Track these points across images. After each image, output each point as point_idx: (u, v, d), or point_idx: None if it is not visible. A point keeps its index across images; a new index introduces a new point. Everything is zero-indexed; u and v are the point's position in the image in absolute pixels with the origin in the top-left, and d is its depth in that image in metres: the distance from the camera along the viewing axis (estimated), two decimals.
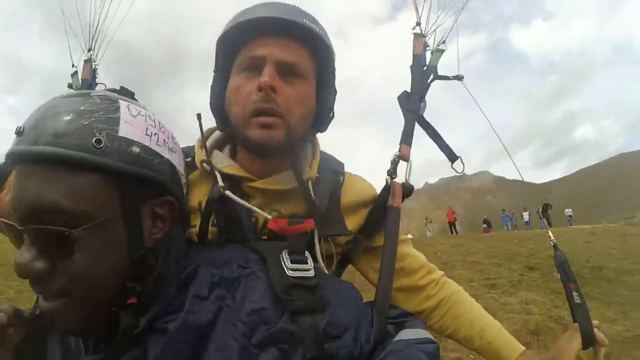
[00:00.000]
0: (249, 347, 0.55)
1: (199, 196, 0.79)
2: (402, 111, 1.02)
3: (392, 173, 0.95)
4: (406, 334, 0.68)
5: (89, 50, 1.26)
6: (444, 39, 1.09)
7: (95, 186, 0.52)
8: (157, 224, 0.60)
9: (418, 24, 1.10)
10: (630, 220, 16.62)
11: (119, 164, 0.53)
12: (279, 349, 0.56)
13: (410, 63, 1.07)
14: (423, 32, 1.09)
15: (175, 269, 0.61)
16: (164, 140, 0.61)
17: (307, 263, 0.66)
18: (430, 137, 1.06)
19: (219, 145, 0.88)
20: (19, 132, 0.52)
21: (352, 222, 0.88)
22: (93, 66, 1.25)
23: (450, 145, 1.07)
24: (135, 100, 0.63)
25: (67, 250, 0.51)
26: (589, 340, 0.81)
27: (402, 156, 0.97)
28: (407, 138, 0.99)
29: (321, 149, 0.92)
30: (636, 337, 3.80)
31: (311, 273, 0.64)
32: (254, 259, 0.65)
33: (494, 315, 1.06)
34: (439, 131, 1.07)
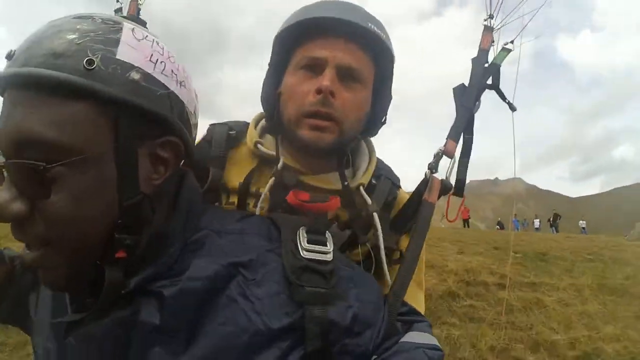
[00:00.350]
0: (263, 330, 0.47)
1: (240, 175, 0.77)
2: (456, 104, 0.94)
3: (433, 167, 0.88)
4: (414, 337, 0.61)
5: None
6: (514, 38, 1.00)
7: (84, 116, 0.43)
8: (157, 169, 0.51)
9: (490, 16, 1.00)
10: None
11: (113, 90, 0.44)
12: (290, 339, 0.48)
13: (474, 56, 0.98)
14: (493, 26, 1.00)
15: (183, 225, 0.53)
16: (172, 70, 0.50)
17: (326, 245, 0.56)
18: (464, 141, 0.96)
19: (264, 132, 0.85)
20: (10, 56, 0.45)
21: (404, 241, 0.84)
22: (138, 5, 1.13)
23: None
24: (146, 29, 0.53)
25: (45, 189, 0.43)
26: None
27: (447, 152, 0.90)
28: (455, 133, 0.92)
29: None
30: None
31: (329, 257, 0.55)
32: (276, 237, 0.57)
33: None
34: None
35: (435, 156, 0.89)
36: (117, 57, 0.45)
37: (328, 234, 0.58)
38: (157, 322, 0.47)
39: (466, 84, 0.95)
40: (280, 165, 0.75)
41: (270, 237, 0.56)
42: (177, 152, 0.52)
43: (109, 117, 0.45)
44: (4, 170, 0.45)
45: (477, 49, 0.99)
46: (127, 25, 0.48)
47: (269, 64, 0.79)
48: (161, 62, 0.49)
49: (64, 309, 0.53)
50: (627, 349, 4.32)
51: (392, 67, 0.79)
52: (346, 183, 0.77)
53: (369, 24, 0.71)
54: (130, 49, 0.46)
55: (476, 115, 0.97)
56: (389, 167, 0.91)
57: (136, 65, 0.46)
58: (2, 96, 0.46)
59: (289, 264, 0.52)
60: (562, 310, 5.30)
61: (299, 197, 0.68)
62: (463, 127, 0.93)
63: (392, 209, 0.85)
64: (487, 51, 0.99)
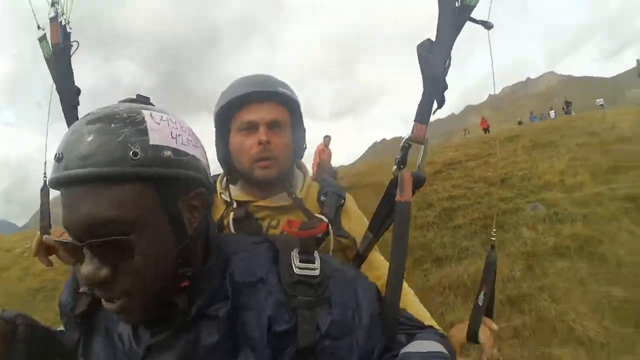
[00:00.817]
0: (267, 338, 0.63)
1: (217, 215, 1.05)
2: (422, 74, 0.84)
3: (400, 163, 0.88)
4: (417, 346, 0.66)
5: (52, 5, 1.08)
6: None
7: (137, 194, 0.55)
8: (194, 214, 0.63)
9: None
10: None
11: (156, 170, 0.56)
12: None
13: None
14: None
15: (216, 256, 0.68)
16: (187, 138, 0.63)
17: (315, 263, 0.70)
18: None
19: (231, 181, 1.14)
20: (58, 159, 0.55)
21: (356, 229, 1.08)
22: (63, 22, 1.07)
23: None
24: (152, 104, 0.65)
25: (128, 254, 0.55)
26: (473, 336, 0.85)
27: (416, 138, 0.85)
28: (423, 114, 0.84)
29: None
30: None
31: (316, 272, 0.68)
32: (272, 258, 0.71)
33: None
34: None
35: (402, 148, 0.87)
36: (150, 142, 0.56)
37: (316, 253, 0.72)
38: (216, 339, 0.62)
39: (433, 38, 0.84)
40: (234, 205, 1.04)
41: (274, 259, 0.71)
42: (204, 199, 0.65)
43: (155, 189, 0.57)
44: (83, 250, 0.55)
45: None
46: (146, 112, 0.59)
47: (215, 132, 1.10)
48: (179, 134, 0.61)
49: (131, 342, 0.67)
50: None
51: (300, 109, 1.10)
52: (294, 196, 1.06)
53: (278, 88, 1.03)
54: (156, 133, 0.57)
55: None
56: (335, 184, 1.18)
57: (165, 145, 0.58)
58: (58, 190, 0.57)
59: (285, 280, 0.67)
60: None
61: (292, 226, 0.75)
62: (431, 105, 0.84)
63: (342, 214, 1.10)
64: None
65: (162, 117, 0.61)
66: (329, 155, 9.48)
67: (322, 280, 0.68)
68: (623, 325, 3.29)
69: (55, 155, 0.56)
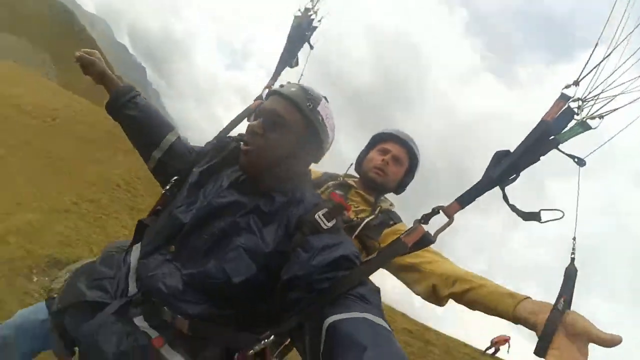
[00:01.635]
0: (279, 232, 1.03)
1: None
2: (485, 171, 0.94)
3: (423, 219, 0.97)
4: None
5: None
6: (604, 113, 0.85)
7: (298, 118, 1.09)
8: (307, 150, 1.16)
9: (576, 83, 0.88)
10: None
11: (311, 117, 1.10)
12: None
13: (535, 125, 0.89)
14: (579, 98, 0.87)
15: (302, 180, 1.19)
16: (332, 124, 1.17)
17: (329, 223, 1.01)
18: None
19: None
20: (280, 86, 1.18)
21: (385, 242, 1.48)
22: (312, 16, 1.67)
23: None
24: (326, 99, 1.18)
25: (272, 130, 1.08)
26: (540, 349, 0.83)
27: (447, 212, 0.94)
28: (466, 199, 0.94)
29: None
30: None
31: (325, 226, 1.00)
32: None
33: None
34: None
35: (432, 210, 0.95)
36: (317, 108, 1.12)
37: (334, 220, 1.02)
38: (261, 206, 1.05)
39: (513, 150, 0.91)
40: (340, 178, 1.76)
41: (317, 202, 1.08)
42: (316, 149, 1.16)
43: (305, 122, 1.10)
44: (261, 119, 1.10)
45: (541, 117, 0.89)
46: (323, 97, 1.17)
47: (366, 146, 1.82)
48: (329, 118, 1.15)
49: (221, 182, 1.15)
50: None
51: (416, 164, 1.76)
52: (375, 200, 1.68)
53: (411, 143, 1.72)
54: (321, 108, 1.13)
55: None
56: (397, 215, 1.68)
57: (322, 115, 1.12)
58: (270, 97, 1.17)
59: (303, 219, 1.02)
60: None
61: (338, 198, 1.11)
62: (476, 198, 0.93)
63: (388, 229, 1.57)
64: (556, 123, 0.88)
65: (327, 106, 1.17)
66: None
67: (325, 230, 0.99)
68: None
69: (280, 85, 1.19)
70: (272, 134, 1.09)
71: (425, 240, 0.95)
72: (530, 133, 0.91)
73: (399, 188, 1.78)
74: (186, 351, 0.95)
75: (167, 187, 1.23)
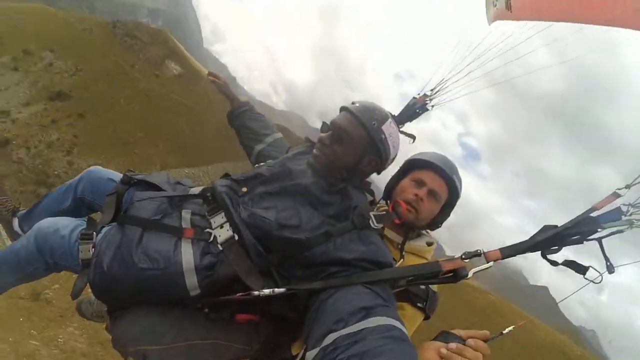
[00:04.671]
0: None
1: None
2: (532, 235, 1.10)
3: (465, 256, 1.10)
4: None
5: None
6: None
7: (361, 134, 1.28)
8: (367, 165, 1.36)
9: (628, 187, 1.03)
10: None
11: (374, 135, 1.26)
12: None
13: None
14: (629, 204, 1.02)
15: (357, 186, 1.37)
16: (395, 143, 1.33)
17: (378, 224, 1.22)
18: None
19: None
20: (352, 103, 1.35)
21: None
22: None
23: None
24: (394, 118, 1.37)
25: (338, 143, 1.28)
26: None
27: (487, 257, 1.07)
28: (508, 251, 1.08)
29: None
30: None
31: (374, 227, 1.21)
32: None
33: None
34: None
35: (476, 251, 1.10)
36: (382, 127, 1.32)
37: (382, 225, 1.26)
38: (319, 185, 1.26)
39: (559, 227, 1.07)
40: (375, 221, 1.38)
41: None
42: (376, 165, 1.36)
43: (367, 139, 1.32)
44: (329, 129, 1.36)
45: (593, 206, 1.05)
46: (390, 120, 1.34)
47: (398, 171, 1.61)
48: (391, 136, 1.33)
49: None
50: None
51: (456, 200, 1.54)
52: (401, 242, 1.49)
53: (453, 176, 1.48)
54: (386, 128, 1.32)
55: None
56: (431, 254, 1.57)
57: (385, 133, 1.32)
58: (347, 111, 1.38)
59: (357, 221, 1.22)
60: None
61: (402, 206, 1.38)
62: (519, 252, 1.08)
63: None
64: (598, 213, 1.03)
65: (392, 125, 1.34)
66: None
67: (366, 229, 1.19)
68: None
69: (352, 102, 1.37)
70: (338, 146, 1.30)
71: (460, 273, 1.06)
72: (580, 215, 1.05)
73: (432, 226, 1.60)
74: (206, 258, 1.14)
75: (257, 165, 1.51)
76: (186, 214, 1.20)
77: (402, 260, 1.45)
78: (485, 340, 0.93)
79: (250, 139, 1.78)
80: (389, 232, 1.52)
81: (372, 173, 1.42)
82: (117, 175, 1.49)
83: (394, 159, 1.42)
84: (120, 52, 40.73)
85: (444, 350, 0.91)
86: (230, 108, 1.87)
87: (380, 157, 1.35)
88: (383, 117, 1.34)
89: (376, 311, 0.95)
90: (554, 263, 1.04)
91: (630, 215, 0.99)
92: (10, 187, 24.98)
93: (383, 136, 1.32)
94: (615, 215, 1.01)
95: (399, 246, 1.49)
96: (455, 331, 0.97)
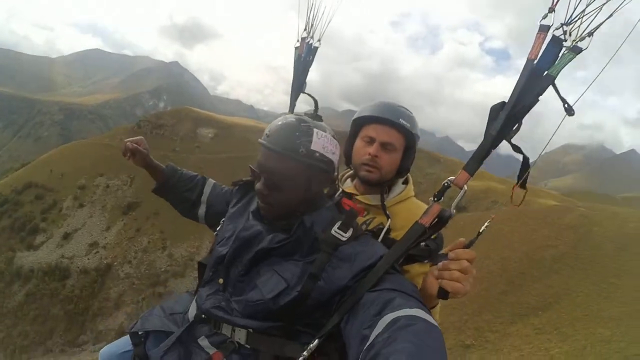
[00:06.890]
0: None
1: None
2: (485, 130, 0.92)
3: (436, 196, 1.02)
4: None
5: (304, 30, 1.67)
6: (590, 31, 0.81)
7: (299, 169, 1.08)
8: (317, 186, 1.15)
9: (551, 10, 0.84)
10: None
11: (309, 161, 1.08)
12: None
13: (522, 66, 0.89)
14: (561, 24, 0.84)
15: (319, 209, 1.19)
16: (332, 150, 1.13)
17: (346, 233, 1.09)
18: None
19: (352, 177, 1.58)
20: (267, 135, 1.12)
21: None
22: (310, 41, 1.67)
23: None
24: (322, 122, 1.16)
25: (277, 190, 1.10)
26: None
27: (457, 182, 0.98)
28: (472, 165, 0.96)
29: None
30: None
31: (344, 238, 1.09)
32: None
33: None
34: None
35: (442, 185, 1.00)
36: (311, 147, 1.08)
37: (351, 228, 1.10)
38: (279, 237, 1.14)
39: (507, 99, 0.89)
40: (339, 192, 1.41)
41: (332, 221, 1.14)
42: (325, 182, 1.19)
43: (303, 168, 1.09)
44: (260, 177, 1.13)
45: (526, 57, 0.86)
46: (315, 130, 1.10)
47: (349, 133, 1.50)
48: (326, 146, 1.11)
49: (249, 216, 1.27)
50: None
51: (414, 141, 1.42)
52: (382, 202, 1.40)
53: (400, 120, 1.37)
54: (315, 143, 1.09)
55: None
56: (422, 205, 1.41)
57: (318, 150, 1.09)
58: (262, 146, 1.11)
59: (322, 237, 1.09)
60: None
61: (349, 203, 1.18)
62: (483, 159, 0.93)
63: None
64: (545, 58, 0.85)
65: (322, 135, 1.12)
66: None
67: (344, 243, 1.07)
68: None
69: (266, 133, 1.12)
70: (278, 193, 1.12)
71: (444, 217, 1.00)
72: (520, 77, 0.88)
73: (400, 173, 1.47)
74: None
75: (217, 228, 1.40)
76: (203, 341, 1.16)
77: (389, 220, 1.35)
78: (467, 247, 0.96)
79: (187, 210, 1.66)
80: (365, 199, 1.46)
81: (326, 187, 1.28)
82: (127, 343, 1.37)
83: (338, 165, 1.24)
84: (158, 143, 44.08)
85: (435, 272, 1.00)
86: (156, 180, 1.65)
87: (327, 172, 1.16)
88: (306, 131, 1.11)
89: (386, 311, 0.91)
90: (515, 148, 0.94)
91: (570, 35, 0.84)
92: (132, 300, 28.40)
93: (317, 154, 1.11)
94: (554, 50, 0.86)
95: (382, 207, 1.41)
96: (443, 251, 1.04)
